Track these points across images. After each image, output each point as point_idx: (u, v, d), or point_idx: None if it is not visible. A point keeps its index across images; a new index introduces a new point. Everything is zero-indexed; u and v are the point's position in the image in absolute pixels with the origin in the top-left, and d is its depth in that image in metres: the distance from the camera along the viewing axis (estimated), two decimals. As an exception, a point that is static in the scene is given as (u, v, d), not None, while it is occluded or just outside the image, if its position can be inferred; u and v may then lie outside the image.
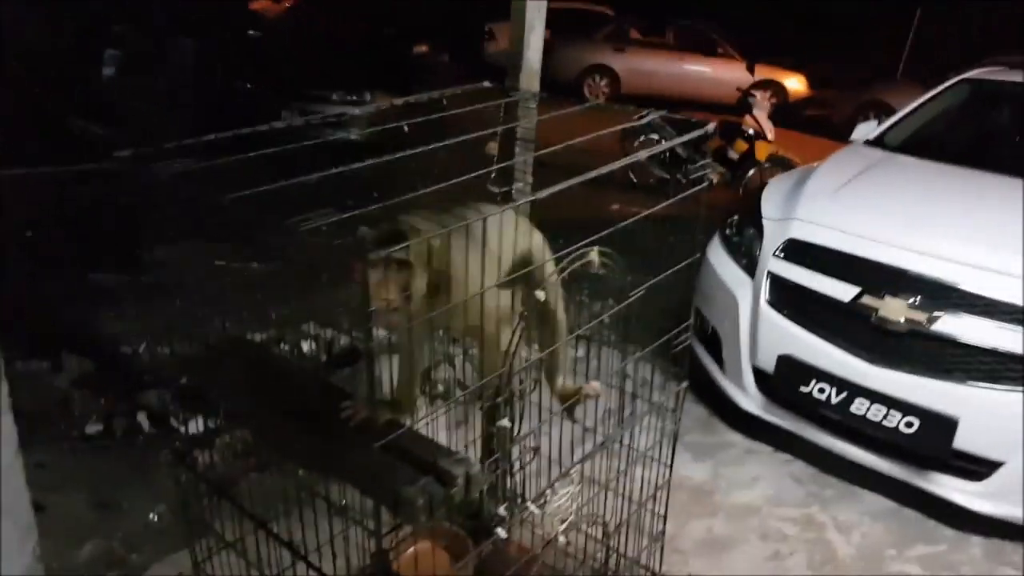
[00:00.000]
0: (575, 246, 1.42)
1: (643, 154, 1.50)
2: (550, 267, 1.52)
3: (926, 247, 2.81)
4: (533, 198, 1.25)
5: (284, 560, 1.68)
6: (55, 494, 2.50)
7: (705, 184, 1.73)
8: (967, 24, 12.95)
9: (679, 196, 1.64)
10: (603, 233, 1.44)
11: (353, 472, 1.31)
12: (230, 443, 2.52)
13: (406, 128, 1.60)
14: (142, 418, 2.92)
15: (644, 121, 1.69)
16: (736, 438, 3.23)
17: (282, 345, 3.45)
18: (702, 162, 1.73)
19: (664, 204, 1.58)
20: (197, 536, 1.74)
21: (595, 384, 1.66)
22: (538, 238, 1.65)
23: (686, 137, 1.72)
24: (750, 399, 3.14)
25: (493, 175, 1.77)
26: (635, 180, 6.84)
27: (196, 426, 2.52)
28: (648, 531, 2.04)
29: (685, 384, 1.89)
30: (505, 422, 1.41)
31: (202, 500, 1.71)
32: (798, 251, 3.06)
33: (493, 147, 1.69)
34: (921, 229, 2.95)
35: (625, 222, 1.49)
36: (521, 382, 1.44)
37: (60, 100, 5.21)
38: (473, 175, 1.38)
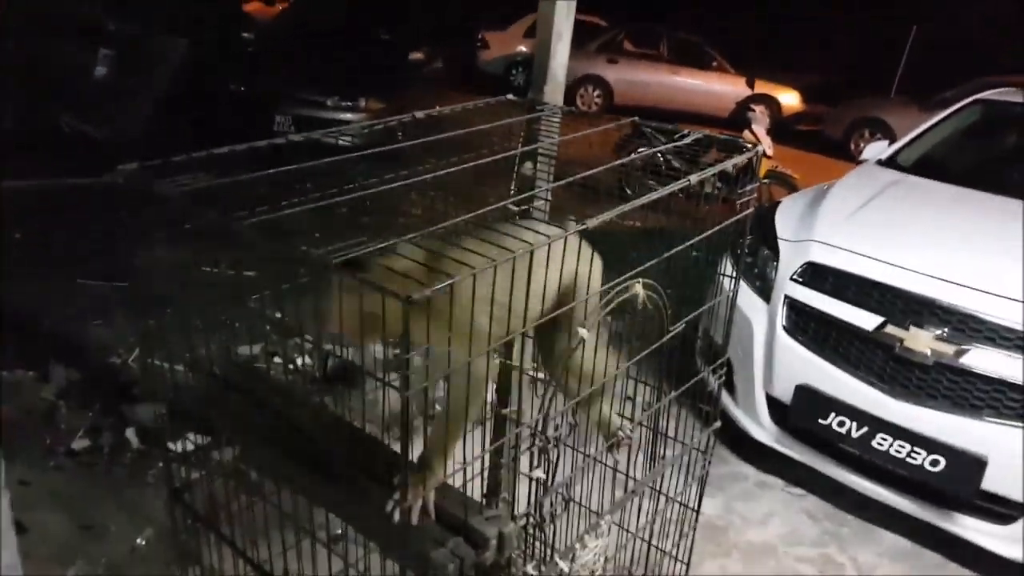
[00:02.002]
0: (620, 278, 1.29)
1: (715, 169, 1.39)
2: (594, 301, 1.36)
3: (953, 276, 2.70)
4: (592, 223, 1.10)
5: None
6: (38, 514, 2.36)
7: (752, 209, 1.62)
8: (961, 43, 13.04)
9: (730, 221, 1.52)
10: (649, 263, 1.32)
11: (375, 529, 1.17)
12: (221, 464, 2.38)
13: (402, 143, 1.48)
14: (131, 434, 2.76)
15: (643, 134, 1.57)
16: (748, 470, 3.11)
17: (275, 359, 3.30)
18: (753, 184, 1.61)
19: (716, 229, 1.46)
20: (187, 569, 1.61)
21: (627, 427, 1.53)
22: (598, 265, 1.46)
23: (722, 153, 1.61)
24: (763, 430, 3.01)
25: (512, 194, 1.64)
26: (628, 191, 6.74)
27: (185, 445, 2.38)
28: (671, 577, 1.91)
29: (717, 424, 1.77)
30: (539, 473, 1.28)
31: (194, 535, 1.59)
32: (817, 275, 2.94)
33: (530, 167, 1.56)
34: (947, 256, 2.85)
35: (673, 250, 1.37)
36: (556, 428, 1.32)
37: (53, 100, 5.04)
38: (512, 200, 1.25)
